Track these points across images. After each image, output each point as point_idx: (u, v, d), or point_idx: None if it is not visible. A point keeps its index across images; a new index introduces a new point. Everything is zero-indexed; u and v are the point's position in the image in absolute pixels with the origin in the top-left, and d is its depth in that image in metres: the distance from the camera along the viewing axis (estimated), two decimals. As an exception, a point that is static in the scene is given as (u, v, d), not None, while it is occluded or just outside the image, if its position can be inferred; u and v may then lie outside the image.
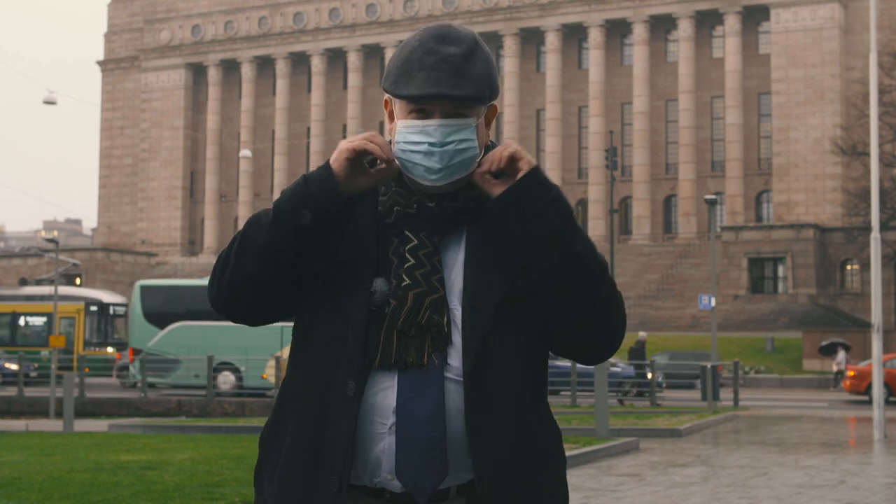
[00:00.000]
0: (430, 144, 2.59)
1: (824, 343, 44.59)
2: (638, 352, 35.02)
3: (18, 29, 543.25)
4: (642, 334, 36.92)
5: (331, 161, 2.59)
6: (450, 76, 2.57)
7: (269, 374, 33.97)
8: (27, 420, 31.67)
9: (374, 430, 2.57)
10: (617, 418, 23.61)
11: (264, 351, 33.46)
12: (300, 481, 2.63)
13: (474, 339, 2.58)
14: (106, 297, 50.55)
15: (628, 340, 38.08)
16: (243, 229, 2.67)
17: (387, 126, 2.75)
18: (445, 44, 2.61)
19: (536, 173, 2.57)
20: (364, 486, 2.60)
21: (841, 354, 43.05)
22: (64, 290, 49.46)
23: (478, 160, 2.66)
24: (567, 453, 15.71)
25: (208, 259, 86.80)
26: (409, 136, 2.62)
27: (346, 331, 2.61)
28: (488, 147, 2.74)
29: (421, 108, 2.62)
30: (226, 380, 35.06)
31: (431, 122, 2.60)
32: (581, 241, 2.59)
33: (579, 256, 2.58)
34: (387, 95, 2.73)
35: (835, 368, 43.53)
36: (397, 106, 2.67)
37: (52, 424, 28.13)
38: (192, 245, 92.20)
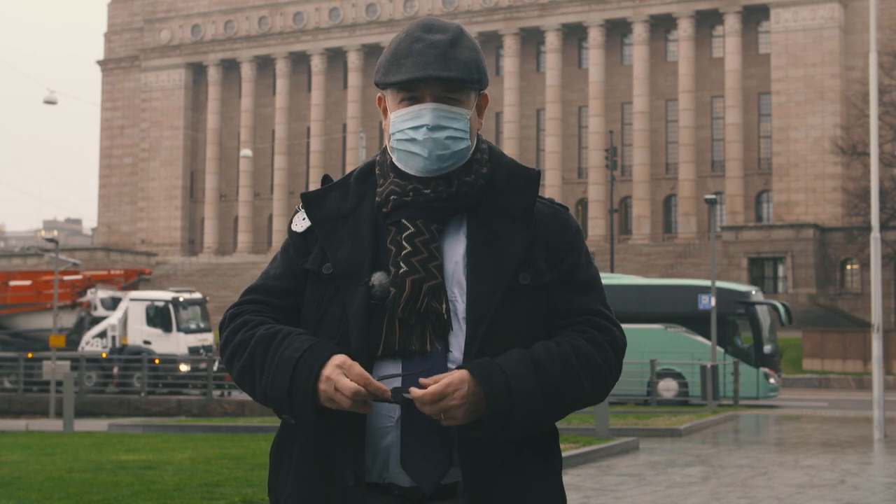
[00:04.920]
0: (425, 128, 2.61)
1: None
2: None
3: (18, 29, 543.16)
4: None
5: (322, 398, 2.53)
6: (436, 59, 2.60)
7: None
8: (27, 420, 31.69)
9: (381, 424, 2.59)
10: (617, 418, 23.60)
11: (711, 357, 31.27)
12: (315, 480, 2.64)
13: (477, 335, 2.59)
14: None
15: None
16: (242, 359, 2.66)
17: (382, 123, 2.77)
18: (432, 32, 2.64)
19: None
20: (374, 483, 2.62)
21: None
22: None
23: (470, 152, 2.69)
24: (567, 453, 15.76)
25: (208, 259, 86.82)
26: (401, 124, 2.65)
27: (346, 326, 2.62)
28: (479, 139, 2.76)
29: (412, 95, 2.64)
30: (668, 387, 32.25)
31: (426, 107, 2.63)
32: (558, 406, 2.60)
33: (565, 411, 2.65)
34: (380, 93, 2.76)
35: None
36: (389, 98, 2.71)
37: (52, 424, 28.15)
38: (192, 245, 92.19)
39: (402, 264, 2.61)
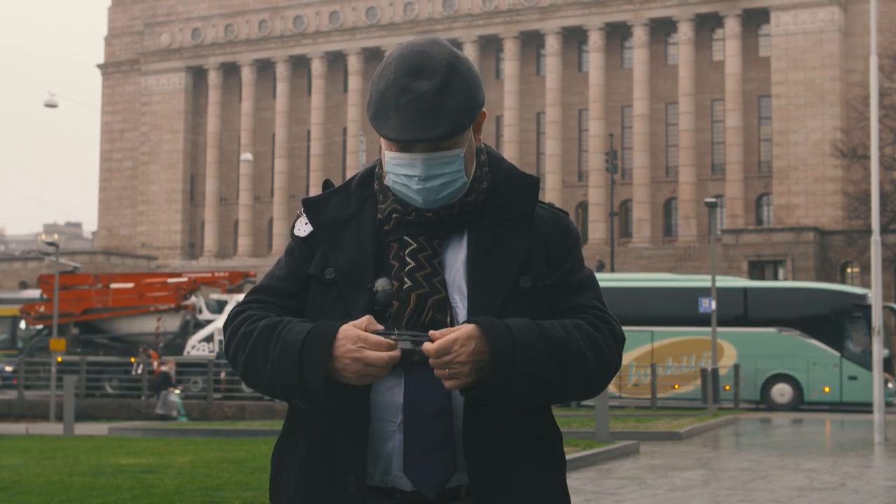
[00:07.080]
0: (417, 178, 2.61)
1: None
2: None
3: (19, 30, 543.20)
4: None
5: (343, 373, 2.51)
6: (423, 117, 2.55)
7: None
8: (27, 423, 31.69)
9: (383, 429, 2.60)
10: (617, 421, 23.59)
11: (827, 361, 31.19)
12: (317, 485, 2.64)
13: None
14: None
15: None
16: (246, 351, 2.64)
17: (380, 143, 2.73)
18: (419, 78, 2.57)
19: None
20: (375, 487, 2.62)
21: None
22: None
23: (467, 185, 2.69)
24: (567, 456, 15.76)
25: (208, 262, 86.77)
26: (395, 167, 2.64)
27: None
28: (479, 151, 2.74)
29: (403, 145, 2.62)
30: (782, 392, 31.76)
31: (416, 157, 2.60)
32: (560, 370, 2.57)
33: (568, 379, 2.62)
34: None
35: None
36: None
37: (53, 428, 28.14)
38: (192, 248, 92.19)
39: (406, 279, 2.62)
